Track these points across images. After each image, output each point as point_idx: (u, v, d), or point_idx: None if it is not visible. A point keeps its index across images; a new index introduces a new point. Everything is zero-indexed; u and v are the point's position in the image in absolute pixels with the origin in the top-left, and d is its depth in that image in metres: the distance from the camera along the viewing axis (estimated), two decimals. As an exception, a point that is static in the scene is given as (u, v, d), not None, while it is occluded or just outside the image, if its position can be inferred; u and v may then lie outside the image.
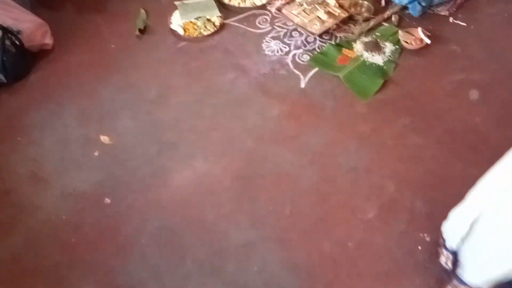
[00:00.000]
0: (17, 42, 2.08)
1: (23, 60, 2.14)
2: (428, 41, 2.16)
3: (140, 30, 2.34)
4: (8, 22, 2.08)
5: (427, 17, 2.34)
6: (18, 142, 1.93)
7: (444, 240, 1.44)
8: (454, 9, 2.37)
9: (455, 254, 1.41)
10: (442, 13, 2.36)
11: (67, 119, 2.01)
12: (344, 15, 2.24)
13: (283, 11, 2.31)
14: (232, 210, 1.68)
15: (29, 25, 2.16)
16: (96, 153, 1.86)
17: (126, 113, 2.02)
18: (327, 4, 2.25)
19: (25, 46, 2.13)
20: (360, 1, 2.37)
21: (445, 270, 1.45)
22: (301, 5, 2.23)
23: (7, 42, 2.03)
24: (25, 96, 2.11)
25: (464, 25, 2.30)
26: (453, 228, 1.38)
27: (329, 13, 2.22)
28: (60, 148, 1.90)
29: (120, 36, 2.37)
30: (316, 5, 2.21)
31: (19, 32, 2.10)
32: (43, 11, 2.44)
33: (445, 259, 1.46)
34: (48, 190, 1.76)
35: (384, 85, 2.05)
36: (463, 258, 1.35)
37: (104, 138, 1.92)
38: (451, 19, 2.33)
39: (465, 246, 1.33)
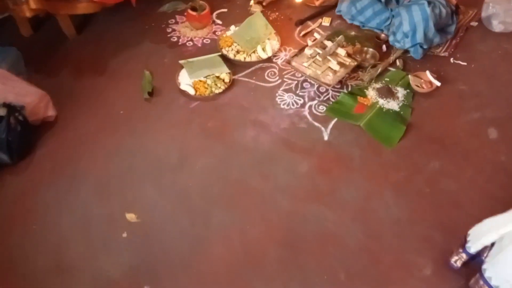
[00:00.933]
0: (21, 119, 1.94)
1: (28, 137, 1.99)
2: (438, 83, 2.22)
3: (148, 93, 2.25)
4: (10, 98, 1.95)
5: (428, 59, 2.42)
6: (33, 229, 1.76)
7: (465, 242, 1.53)
8: (452, 50, 2.47)
9: (471, 258, 1.53)
10: (442, 54, 2.45)
11: (85, 196, 1.87)
12: (353, 63, 2.27)
13: (293, 63, 2.31)
14: (284, 282, 1.59)
15: (31, 98, 2.03)
16: (125, 234, 1.72)
17: (149, 184, 1.90)
18: (337, 55, 2.28)
19: (29, 121, 1.99)
20: (365, 48, 2.42)
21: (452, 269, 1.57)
22: (313, 57, 2.24)
23: (12, 120, 1.89)
24: (34, 175, 1.94)
25: (465, 65, 2.39)
26: (481, 233, 1.47)
27: (340, 63, 2.24)
28: (83, 231, 1.75)
29: (126, 99, 2.27)
30: (328, 57, 2.23)
31: (22, 107, 1.96)
32: (40, 79, 2.32)
33: (456, 259, 1.56)
34: (77, 281, 1.60)
35: (405, 130, 2.07)
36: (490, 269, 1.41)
37: (130, 216, 1.78)
38: (451, 60, 2.42)
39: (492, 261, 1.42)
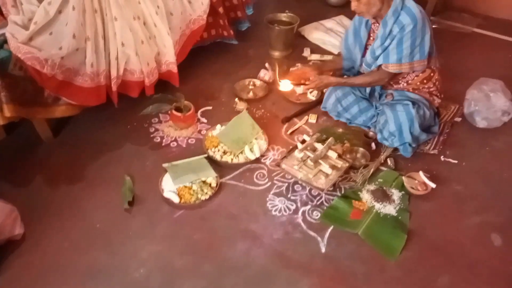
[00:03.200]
0: (-18, 243, 1.71)
1: (-12, 263, 1.75)
2: (433, 185, 2.15)
3: (129, 203, 2.08)
4: (-29, 220, 1.73)
5: (419, 157, 2.38)
6: None
7: None
8: (441, 147, 2.45)
9: None
10: (431, 152, 2.42)
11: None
12: (345, 165, 2.20)
13: (283, 166, 2.22)
14: None
15: (-3, 217, 1.81)
16: None
17: (127, 317, 1.66)
18: (328, 157, 2.21)
19: (-9, 243, 1.76)
20: (355, 148, 2.37)
21: None
22: (303, 160, 2.16)
23: (-29, 247, 1.66)
24: (-9, 311, 1.67)
25: (456, 162, 2.36)
26: None
27: (332, 166, 2.16)
28: None
29: (104, 210, 2.08)
30: (320, 160, 2.15)
31: (-15, 229, 1.75)
32: (10, 189, 2.14)
33: None
34: None
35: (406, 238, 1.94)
36: None
37: None
38: (442, 158, 2.39)
39: None
